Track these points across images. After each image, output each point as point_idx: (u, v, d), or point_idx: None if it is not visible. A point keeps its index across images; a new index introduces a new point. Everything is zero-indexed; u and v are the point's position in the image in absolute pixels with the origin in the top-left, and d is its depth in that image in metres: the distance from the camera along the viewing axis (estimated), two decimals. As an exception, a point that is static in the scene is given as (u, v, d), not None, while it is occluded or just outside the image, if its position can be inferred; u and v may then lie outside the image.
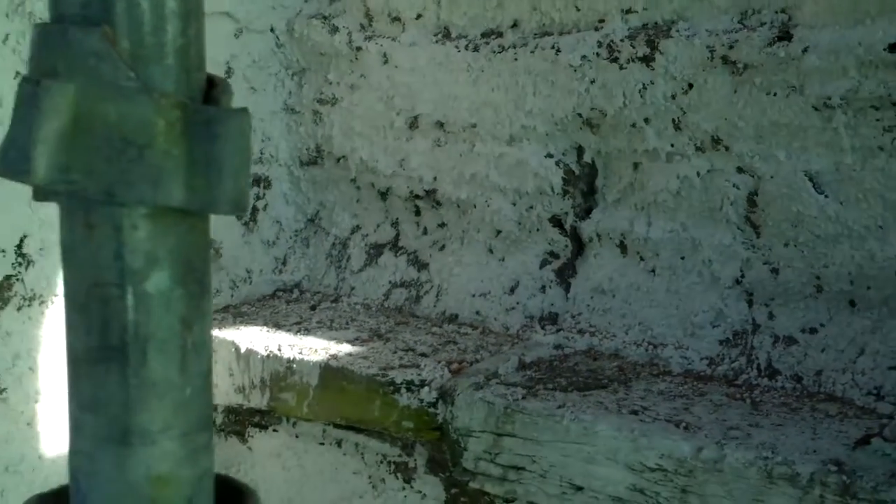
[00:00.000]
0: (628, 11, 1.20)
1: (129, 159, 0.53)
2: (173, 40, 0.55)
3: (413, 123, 1.37)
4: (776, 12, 1.09)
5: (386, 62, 1.38)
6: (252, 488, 0.60)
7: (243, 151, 0.55)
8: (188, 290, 0.56)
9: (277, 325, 1.32)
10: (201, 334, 0.57)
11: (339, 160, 1.46)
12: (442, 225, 1.39)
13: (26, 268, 1.20)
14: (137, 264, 0.55)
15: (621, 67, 1.18)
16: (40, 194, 0.56)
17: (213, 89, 0.57)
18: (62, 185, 0.54)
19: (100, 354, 0.55)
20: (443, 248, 1.39)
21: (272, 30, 1.46)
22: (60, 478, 1.20)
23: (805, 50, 1.05)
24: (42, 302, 1.22)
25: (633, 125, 1.19)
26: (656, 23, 1.18)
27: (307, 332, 1.29)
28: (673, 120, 1.16)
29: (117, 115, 0.53)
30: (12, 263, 1.19)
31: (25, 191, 1.25)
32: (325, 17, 1.45)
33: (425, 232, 1.41)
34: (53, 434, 1.22)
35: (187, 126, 0.54)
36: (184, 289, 0.56)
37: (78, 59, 0.53)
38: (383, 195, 1.44)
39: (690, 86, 1.14)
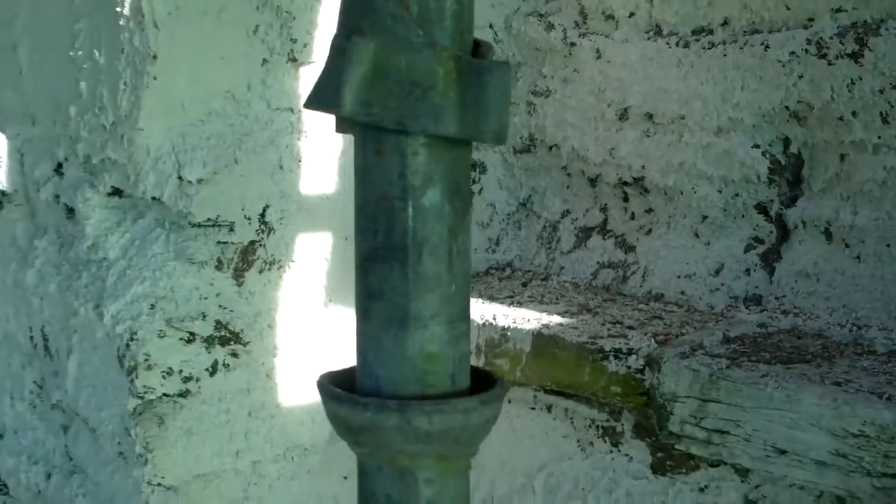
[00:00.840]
0: (838, 10, 1.31)
1: (416, 98, 0.73)
2: (451, 6, 0.74)
3: (623, 115, 1.52)
4: None
5: (599, 57, 1.54)
6: (501, 377, 0.77)
7: (505, 95, 0.74)
8: (454, 206, 0.75)
9: (491, 298, 1.48)
10: (464, 242, 0.76)
11: (550, 148, 1.61)
12: (649, 210, 1.53)
13: (268, 235, 1.38)
14: (417, 182, 0.74)
15: (830, 63, 1.29)
16: (341, 126, 0.76)
17: (479, 48, 0.77)
18: (363, 117, 0.74)
19: (385, 253, 0.75)
20: (649, 231, 1.53)
21: (490, 26, 1.64)
22: (296, 426, 1.41)
23: None
24: (280, 267, 1.40)
25: (841, 118, 1.30)
26: (865, 21, 1.28)
27: (519, 304, 1.45)
28: (881, 113, 1.26)
29: (407, 64, 0.73)
30: (256, 230, 1.37)
31: (269, 165, 1.45)
32: (541, 15, 1.62)
33: (633, 217, 1.55)
34: (290, 386, 1.41)
35: (461, 74, 0.74)
36: (451, 205, 0.75)
37: (378, 20, 0.73)
38: (593, 182, 1.59)
39: (900, 81, 1.24)
